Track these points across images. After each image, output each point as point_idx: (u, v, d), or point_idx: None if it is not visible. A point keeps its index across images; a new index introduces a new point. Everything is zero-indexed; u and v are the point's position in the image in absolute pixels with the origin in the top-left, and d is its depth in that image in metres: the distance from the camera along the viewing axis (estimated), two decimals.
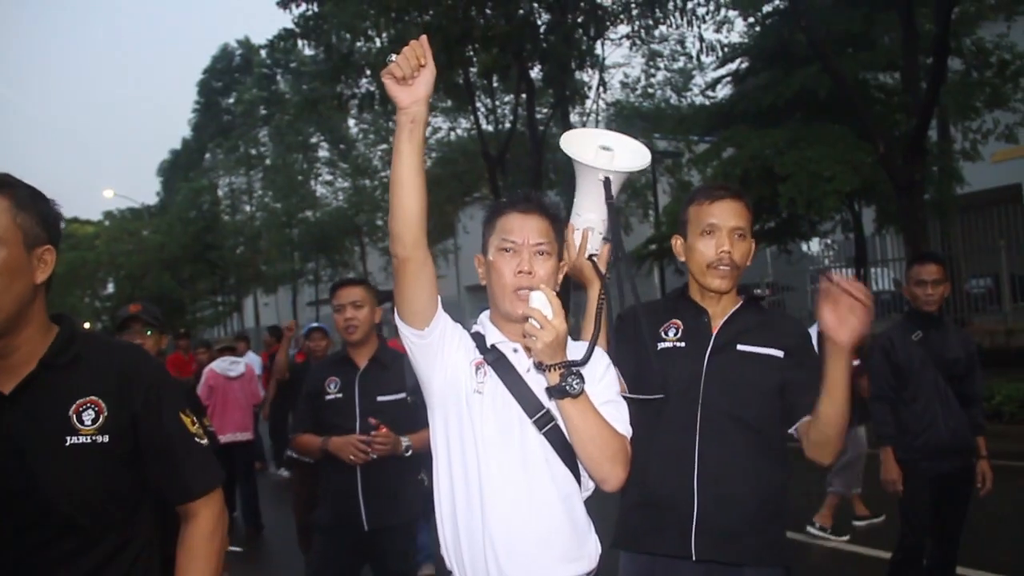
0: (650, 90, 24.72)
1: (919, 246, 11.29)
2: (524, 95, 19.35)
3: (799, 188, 11.75)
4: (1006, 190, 20.52)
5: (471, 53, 16.79)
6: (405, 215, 2.11)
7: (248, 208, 41.87)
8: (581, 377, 2.09)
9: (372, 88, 18.71)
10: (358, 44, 17.91)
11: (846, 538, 6.63)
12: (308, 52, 25.27)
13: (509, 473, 2.18)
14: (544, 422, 2.18)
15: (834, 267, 22.03)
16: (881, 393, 4.70)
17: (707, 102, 19.98)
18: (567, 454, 2.20)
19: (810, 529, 6.72)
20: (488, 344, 2.28)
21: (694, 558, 2.49)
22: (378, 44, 17.50)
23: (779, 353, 2.58)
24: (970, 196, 15.94)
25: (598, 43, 18.29)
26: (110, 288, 44.28)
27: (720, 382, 2.55)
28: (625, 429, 2.24)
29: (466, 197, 29.06)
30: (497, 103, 24.15)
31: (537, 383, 2.20)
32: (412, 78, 2.07)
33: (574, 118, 22.17)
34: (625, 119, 24.06)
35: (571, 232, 2.62)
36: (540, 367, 2.12)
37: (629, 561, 2.66)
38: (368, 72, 18.65)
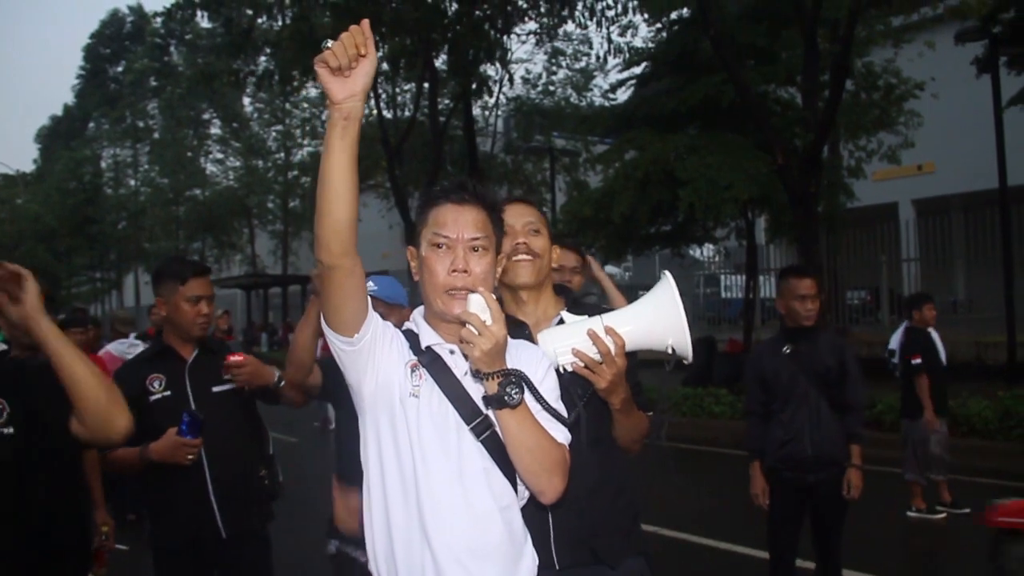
0: (551, 88, 24.90)
1: (811, 256, 11.64)
2: (427, 84, 19.24)
3: (699, 193, 11.93)
4: (885, 208, 21.53)
5: (378, 38, 16.57)
6: (334, 222, 1.94)
7: (133, 182, 40.50)
8: (521, 386, 2.00)
9: (271, 67, 18.32)
10: (259, 20, 17.46)
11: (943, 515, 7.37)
12: (206, 25, 24.66)
13: (448, 480, 2.06)
14: (481, 429, 2.07)
15: (722, 272, 22.66)
16: (749, 408, 4.85)
17: (607, 104, 20.21)
18: (506, 463, 2.08)
19: (910, 514, 7.38)
20: (423, 345, 2.15)
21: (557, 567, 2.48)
22: (280, 22, 17.10)
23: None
24: (852, 212, 16.59)
25: (505, 37, 18.28)
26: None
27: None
28: (565, 437, 2.12)
29: (361, 183, 28.76)
30: (398, 90, 23.94)
31: (475, 387, 2.09)
32: (349, 69, 1.87)
33: (476, 111, 22.17)
34: (525, 115, 24.16)
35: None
36: (477, 375, 2.00)
37: None
38: (268, 50, 18.27)
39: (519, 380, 2.00)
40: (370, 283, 3.09)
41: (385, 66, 18.56)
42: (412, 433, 2.08)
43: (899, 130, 17.34)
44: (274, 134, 32.28)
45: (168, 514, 3.61)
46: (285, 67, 17.63)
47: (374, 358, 2.12)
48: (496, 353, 1.96)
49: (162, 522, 3.66)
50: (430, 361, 2.12)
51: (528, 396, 2.05)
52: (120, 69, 42.80)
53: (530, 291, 2.63)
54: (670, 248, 17.09)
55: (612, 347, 2.27)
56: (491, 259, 2.17)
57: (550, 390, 2.16)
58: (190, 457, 3.38)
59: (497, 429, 2.05)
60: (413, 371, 2.11)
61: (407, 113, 22.53)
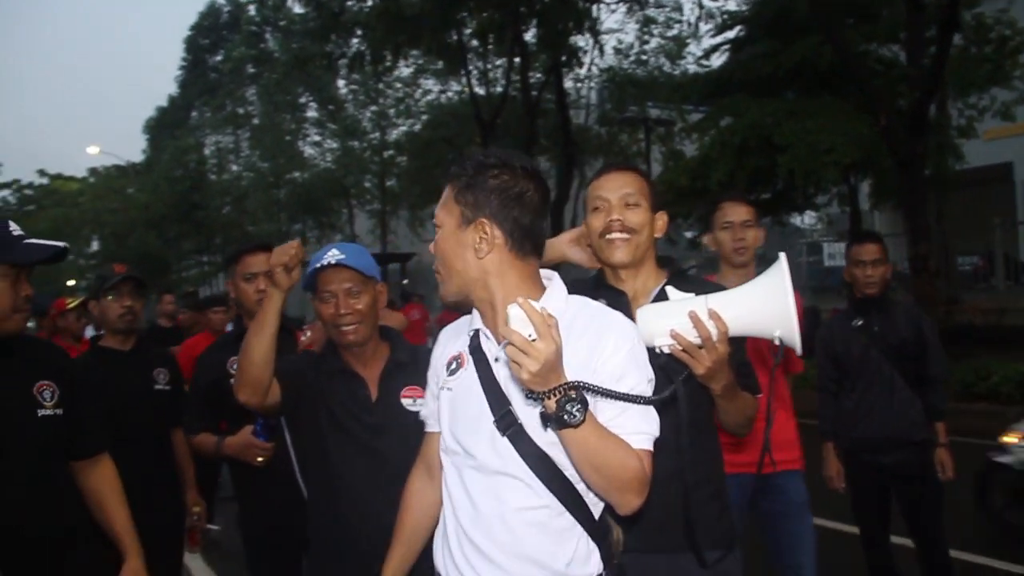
0: (643, 57, 24.43)
1: (918, 221, 11.19)
2: (518, 59, 19.10)
3: (798, 159, 11.59)
4: (998, 168, 20.49)
5: (466, 13, 16.49)
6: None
7: (235, 168, 41.33)
8: (584, 401, 1.71)
9: (363, 48, 18.42)
10: (349, 3, 17.56)
11: None
12: (298, 10, 24.94)
13: (468, 476, 2.02)
14: (505, 425, 1.92)
15: (825, 240, 22.02)
16: (821, 384, 4.59)
17: (701, 71, 19.73)
18: (538, 464, 1.91)
19: None
20: (470, 330, 2.09)
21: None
22: (369, 2, 17.17)
23: None
24: (962, 173, 15.85)
25: (594, 7, 17.99)
26: (95, 246, 43.96)
27: None
28: (644, 441, 1.88)
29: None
30: (489, 66, 23.83)
31: (505, 374, 1.94)
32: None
33: (568, 84, 21.94)
34: (618, 86, 23.78)
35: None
36: (531, 395, 1.75)
37: None
38: (359, 31, 18.36)
39: (580, 394, 1.72)
40: (334, 250, 2.80)
41: (474, 42, 18.52)
42: (446, 428, 2.08)
43: (1014, 85, 16.40)
44: (369, 114, 32.51)
45: (257, 499, 3.61)
46: (376, 48, 17.73)
47: None
48: (547, 371, 1.66)
49: (251, 506, 3.68)
50: (475, 348, 2.05)
51: (601, 402, 1.85)
52: (219, 58, 43.54)
53: (626, 269, 2.57)
54: (770, 216, 16.66)
55: (714, 333, 2.10)
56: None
57: (634, 386, 1.90)
58: (260, 460, 3.33)
59: (524, 426, 1.90)
60: (449, 365, 2.11)
61: (499, 89, 22.41)
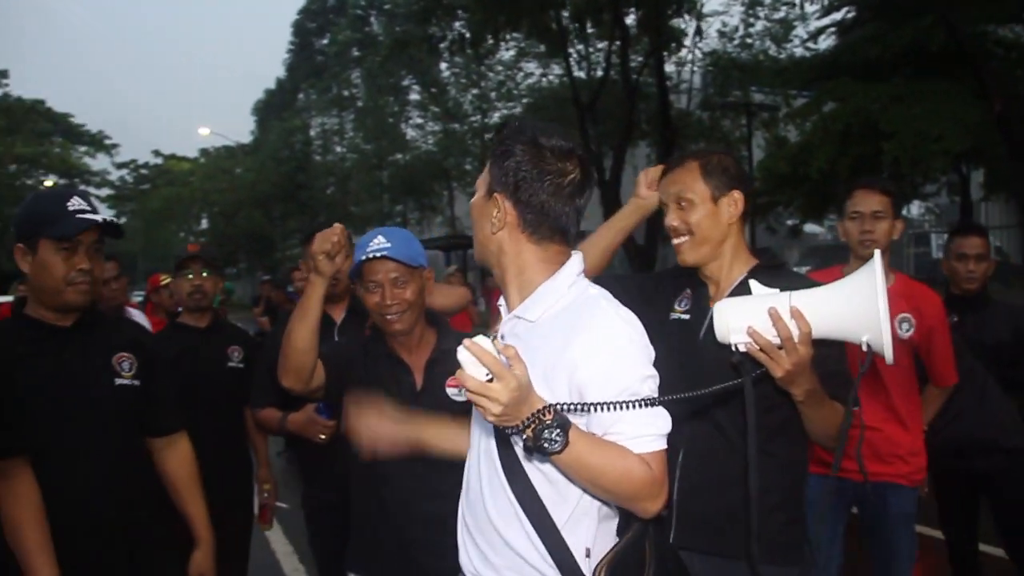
0: (748, 40, 23.85)
1: None
2: (618, 42, 18.84)
3: (904, 147, 11.09)
4: None
5: None
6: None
7: (339, 149, 42.16)
8: (563, 425, 1.59)
9: (463, 31, 18.46)
10: None
11: None
12: None
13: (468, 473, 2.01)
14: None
15: (934, 231, 21.19)
16: None
17: (808, 54, 19.14)
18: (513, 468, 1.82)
19: None
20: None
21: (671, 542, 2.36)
22: None
23: None
24: None
25: None
26: (204, 224, 45.42)
27: (711, 362, 2.32)
28: (649, 443, 1.71)
29: None
30: (590, 50, 23.60)
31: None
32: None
33: (669, 67, 21.57)
34: (721, 70, 23.27)
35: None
36: (507, 431, 1.63)
37: None
38: (461, 14, 18.39)
39: (557, 418, 1.60)
40: (379, 238, 2.74)
41: (575, 24, 18.35)
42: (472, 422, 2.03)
43: None
44: (470, 97, 32.64)
45: (319, 476, 3.68)
46: (476, 30, 17.73)
47: None
48: (514, 406, 1.56)
49: (314, 483, 3.75)
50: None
51: (591, 418, 1.73)
52: (325, 42, 44.40)
53: (707, 266, 2.50)
54: None
55: (795, 333, 1.96)
56: None
57: (618, 386, 1.71)
58: (322, 437, 3.37)
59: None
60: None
61: (600, 72, 22.17)
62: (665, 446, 1.75)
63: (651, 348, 1.83)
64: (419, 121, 37.07)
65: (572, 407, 1.67)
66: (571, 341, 1.75)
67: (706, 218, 2.43)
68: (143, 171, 48.72)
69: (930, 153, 11.16)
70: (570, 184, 1.87)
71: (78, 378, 2.50)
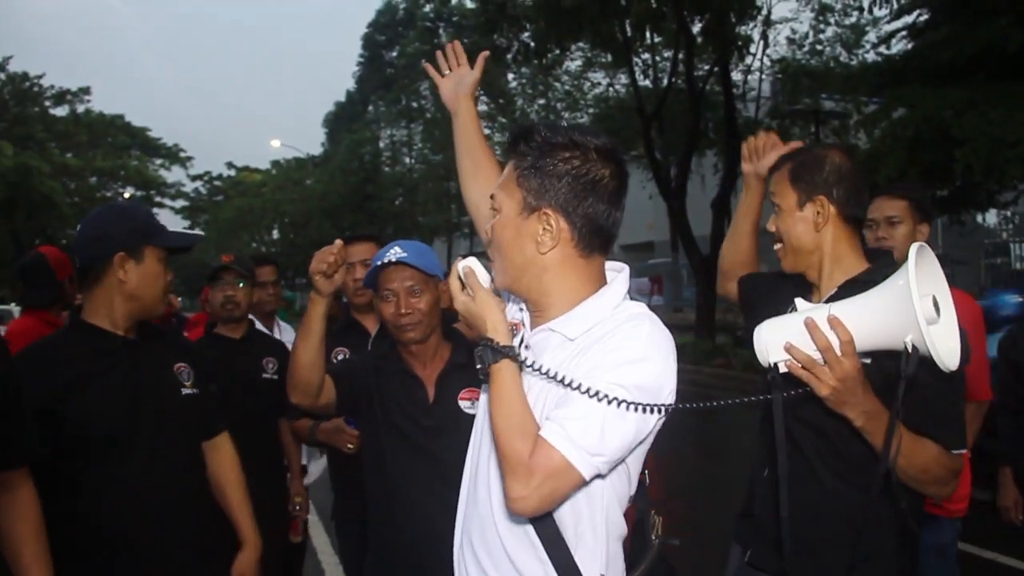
0: (818, 47, 23.41)
1: None
2: (683, 50, 18.62)
3: (978, 153, 10.70)
4: None
5: (625, 2, 16.17)
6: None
7: (407, 160, 42.59)
8: (484, 357, 1.66)
9: (528, 42, 18.42)
10: None
11: None
12: (470, 5, 25.26)
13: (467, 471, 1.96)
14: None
15: (1013, 241, 20.51)
16: (1002, 401, 3.93)
17: (879, 59, 18.66)
18: None
19: None
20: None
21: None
22: None
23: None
24: None
25: None
26: (275, 234, 46.25)
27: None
28: (555, 434, 1.58)
29: (623, 155, 28.43)
30: (657, 58, 23.40)
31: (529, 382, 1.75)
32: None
33: (736, 75, 21.27)
34: (790, 77, 22.87)
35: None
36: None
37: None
38: (527, 25, 18.36)
39: (483, 350, 1.68)
40: (396, 248, 2.75)
41: (641, 33, 18.17)
42: (482, 410, 1.92)
43: None
44: (536, 108, 32.67)
45: (348, 487, 3.62)
46: (539, 41, 17.70)
47: None
48: (466, 321, 1.79)
49: (344, 495, 3.73)
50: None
51: (554, 389, 1.67)
52: (395, 54, 44.96)
53: (809, 275, 2.37)
54: (948, 215, 15.57)
55: (835, 342, 1.83)
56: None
57: (595, 379, 1.61)
58: (350, 446, 3.35)
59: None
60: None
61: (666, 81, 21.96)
62: (568, 456, 1.57)
63: (671, 383, 1.68)
64: (487, 132, 37.22)
65: (500, 350, 1.66)
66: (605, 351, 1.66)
67: (793, 226, 2.33)
68: (216, 183, 49.91)
69: (1005, 160, 10.74)
70: (619, 187, 1.77)
71: (148, 389, 2.55)
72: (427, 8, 37.32)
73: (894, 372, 1.83)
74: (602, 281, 1.80)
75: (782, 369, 1.89)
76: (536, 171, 1.72)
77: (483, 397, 1.89)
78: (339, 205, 40.05)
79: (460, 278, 1.77)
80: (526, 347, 1.79)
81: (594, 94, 28.71)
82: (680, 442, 7.46)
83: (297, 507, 4.14)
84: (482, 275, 1.76)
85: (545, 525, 1.69)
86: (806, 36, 23.51)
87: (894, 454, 1.92)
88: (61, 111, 36.67)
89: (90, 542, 2.38)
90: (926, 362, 1.76)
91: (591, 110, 28.57)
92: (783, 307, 2.20)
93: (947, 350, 1.77)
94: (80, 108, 37.63)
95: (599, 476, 1.63)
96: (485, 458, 1.83)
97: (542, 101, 31.92)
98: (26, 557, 2.15)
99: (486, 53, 2.48)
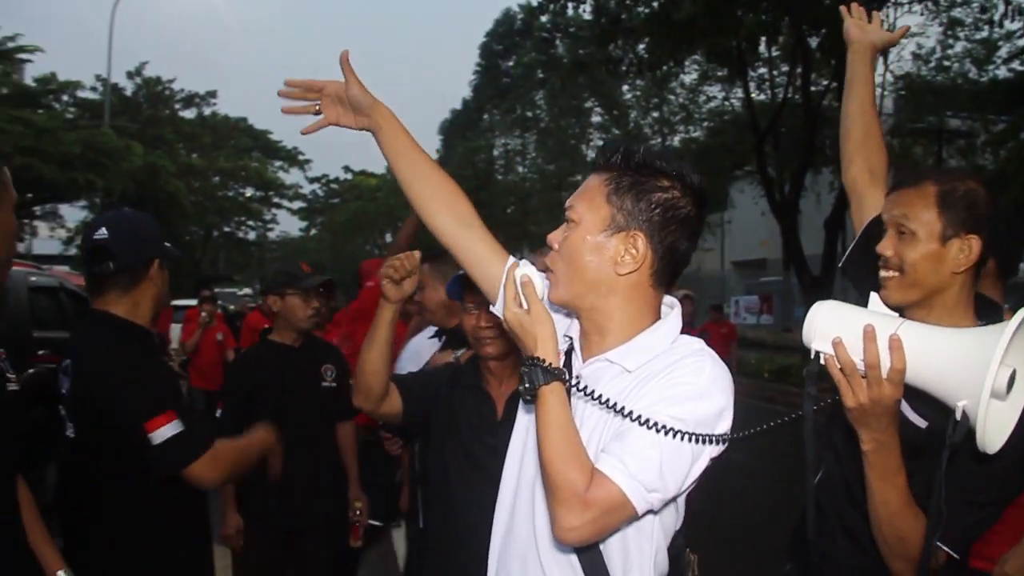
0: (946, 62, 22.54)
1: None
2: (800, 65, 18.18)
3: None
4: None
5: (742, 11, 15.85)
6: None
7: (521, 169, 42.74)
8: (532, 379, 1.61)
9: (642, 53, 18.26)
10: (638, 8, 17.41)
11: None
12: (588, 16, 25.27)
13: (507, 500, 1.91)
14: None
15: None
16: None
17: (1010, 75, 17.84)
18: None
19: None
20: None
21: None
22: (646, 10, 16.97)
23: (921, 423, 1.96)
24: None
25: (884, 8, 16.74)
26: (388, 237, 47.03)
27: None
28: (614, 469, 1.55)
29: (737, 170, 27.94)
30: (774, 72, 22.92)
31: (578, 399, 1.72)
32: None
33: None
34: (914, 94, 22.10)
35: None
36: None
37: None
38: (642, 37, 18.22)
39: (532, 370, 1.62)
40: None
41: (749, 46, 17.82)
42: (520, 431, 1.92)
43: None
44: (650, 120, 32.43)
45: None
46: (653, 53, 17.54)
47: None
48: (513, 336, 1.72)
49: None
50: (564, 361, 1.83)
51: (630, 400, 1.63)
52: (511, 64, 45.30)
53: (907, 311, 2.03)
54: None
55: (885, 365, 1.66)
56: None
57: (670, 412, 1.58)
58: (388, 448, 3.62)
59: None
60: None
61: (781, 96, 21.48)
62: (626, 492, 1.54)
63: (728, 421, 1.65)
64: (600, 143, 37.13)
65: (550, 371, 1.62)
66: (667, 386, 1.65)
67: (925, 259, 2.00)
68: (333, 185, 50.96)
69: None
70: (700, 227, 1.77)
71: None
72: (544, 19, 37.40)
73: (930, 430, 1.74)
74: (658, 315, 1.79)
75: (821, 360, 1.78)
76: (632, 192, 1.71)
77: (523, 420, 1.89)
78: None
79: (516, 287, 1.71)
80: (577, 378, 1.74)
81: (709, 108, 28.27)
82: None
83: (358, 512, 4.18)
84: (539, 287, 1.71)
85: (591, 559, 1.67)
86: (933, 51, 22.70)
87: (933, 529, 1.77)
88: (189, 113, 38.24)
89: None
90: (971, 435, 1.60)
91: (705, 124, 28.17)
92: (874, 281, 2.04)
93: (995, 428, 1.61)
94: (207, 111, 39.16)
95: (651, 511, 1.61)
96: (528, 486, 1.80)
97: (656, 114, 31.61)
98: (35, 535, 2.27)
99: (345, 51, 2.05)
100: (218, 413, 3.93)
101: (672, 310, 1.80)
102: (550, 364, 1.61)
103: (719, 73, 24.79)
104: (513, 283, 1.71)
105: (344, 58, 2.02)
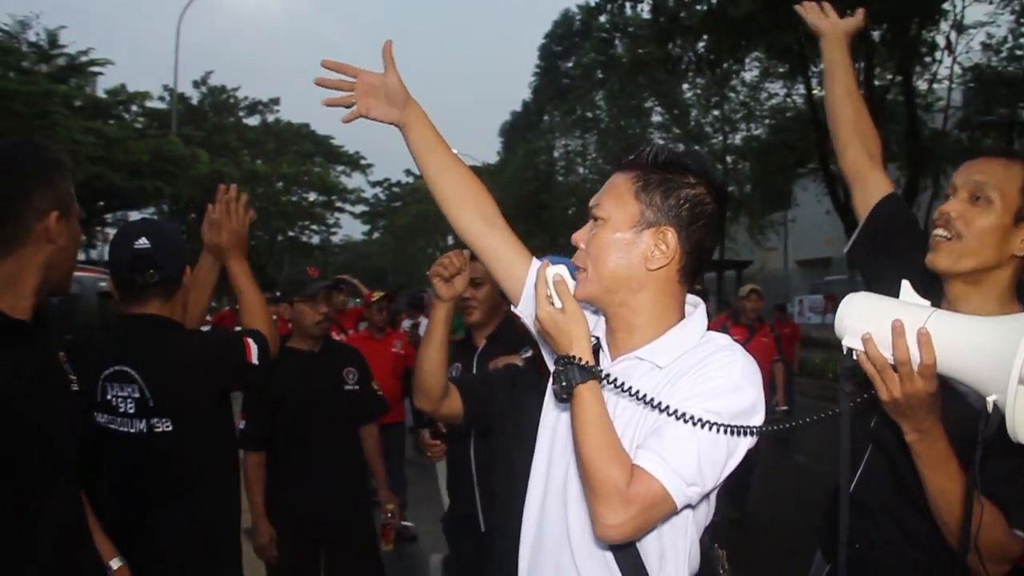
0: (1018, 52, 21.85)
1: None
2: (863, 60, 17.83)
3: None
4: None
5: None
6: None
7: (581, 170, 42.70)
8: (568, 377, 1.60)
9: (701, 51, 18.09)
10: (697, 5, 17.26)
11: None
12: (646, 15, 25.11)
13: (551, 499, 1.85)
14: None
15: None
16: None
17: None
18: None
19: None
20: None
21: None
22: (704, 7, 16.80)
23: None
24: None
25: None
26: (449, 239, 47.40)
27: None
28: (655, 464, 1.55)
29: (800, 168, 27.53)
30: None
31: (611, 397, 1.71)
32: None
33: (921, 85, 20.18)
34: (984, 85, 21.47)
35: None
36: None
37: None
38: (701, 35, 18.05)
39: (568, 368, 1.61)
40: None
41: (810, 41, 17.50)
42: (546, 435, 1.91)
43: None
44: (711, 119, 32.13)
45: (458, 491, 3.73)
46: (713, 51, 17.38)
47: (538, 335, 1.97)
48: (545, 334, 1.70)
49: (453, 499, 3.83)
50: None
51: (667, 395, 1.62)
52: (570, 64, 45.23)
53: (951, 281, 2.05)
54: None
55: (915, 359, 1.62)
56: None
57: (695, 403, 1.59)
58: (429, 456, 3.64)
59: None
60: None
61: None
62: (667, 486, 1.54)
63: (761, 414, 1.65)
64: (661, 143, 36.84)
65: (588, 370, 1.61)
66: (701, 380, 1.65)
67: (993, 231, 1.97)
68: (395, 189, 51.61)
69: None
70: (722, 224, 1.81)
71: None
72: (602, 19, 37.24)
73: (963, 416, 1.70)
74: (683, 312, 1.80)
75: (854, 355, 1.74)
76: (661, 188, 1.72)
77: (549, 420, 1.90)
78: (512, 214, 40.32)
79: (548, 285, 1.71)
80: (607, 375, 1.72)
81: (771, 105, 27.89)
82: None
83: (389, 515, 4.19)
84: (571, 285, 1.73)
85: (628, 556, 1.67)
86: (1004, 40, 22.04)
87: (975, 531, 1.69)
88: (253, 121, 39.22)
89: None
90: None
91: (767, 121, 27.81)
92: (903, 269, 1.95)
93: None
94: (270, 118, 40.05)
95: (688, 506, 1.62)
96: (557, 487, 1.81)
97: (717, 112, 31.29)
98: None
99: (388, 41, 2.04)
100: (241, 424, 3.88)
101: (696, 308, 1.81)
102: (586, 362, 1.61)
103: (780, 69, 24.47)
104: (544, 282, 1.70)
105: (387, 48, 2.03)
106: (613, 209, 1.75)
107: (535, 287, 1.72)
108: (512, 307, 2.10)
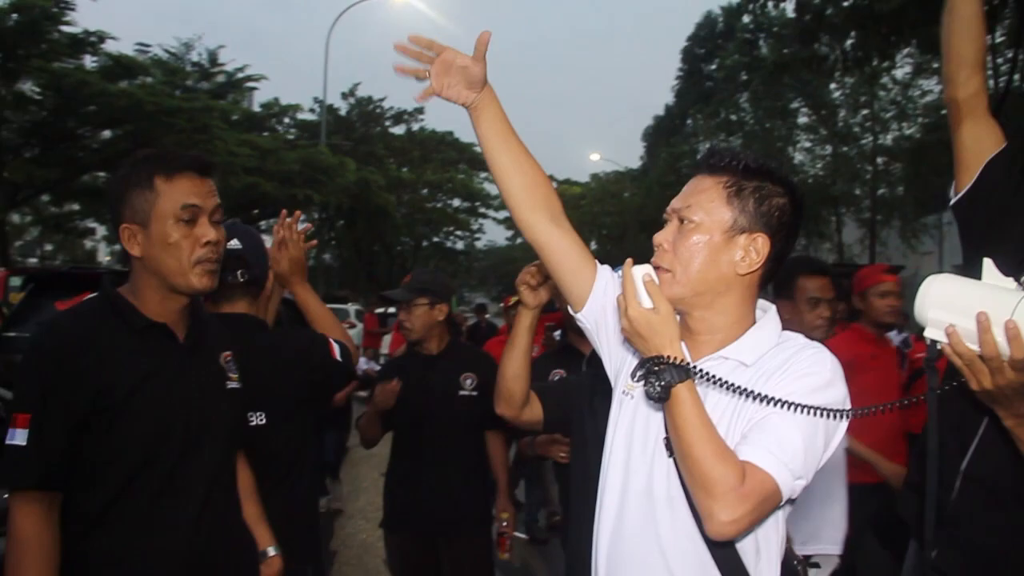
0: None
1: None
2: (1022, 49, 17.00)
3: None
4: None
5: None
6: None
7: None
8: (665, 376, 1.59)
9: (848, 49, 17.61)
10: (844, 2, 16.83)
11: None
12: (791, 14, 24.60)
13: (630, 501, 1.85)
14: (671, 444, 1.71)
15: None
16: None
17: None
18: None
19: None
20: None
21: None
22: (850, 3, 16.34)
23: None
24: None
25: None
26: (592, 245, 47.49)
27: None
28: (763, 458, 1.58)
29: None
30: (998, 60, 21.47)
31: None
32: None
33: None
34: None
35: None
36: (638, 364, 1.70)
37: None
38: (849, 32, 17.57)
39: (664, 368, 1.61)
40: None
41: None
42: (622, 441, 1.91)
43: None
44: (860, 118, 31.10)
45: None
46: (860, 48, 16.89)
47: (598, 339, 2.02)
48: (634, 334, 1.68)
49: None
50: None
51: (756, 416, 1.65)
52: (713, 67, 44.58)
53: None
54: None
55: (1005, 352, 1.59)
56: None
57: (800, 394, 1.63)
58: (562, 455, 3.48)
59: None
60: (638, 370, 1.76)
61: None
62: (778, 480, 1.57)
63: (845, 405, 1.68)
64: (807, 144, 35.92)
65: (678, 366, 1.62)
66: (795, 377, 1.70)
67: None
68: None
69: None
70: (798, 233, 1.86)
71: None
72: (745, 19, 36.58)
73: None
74: (755, 316, 1.87)
75: (937, 347, 1.71)
76: (755, 195, 1.77)
77: (623, 425, 1.92)
78: (655, 219, 39.99)
79: (636, 286, 1.71)
80: (702, 370, 1.76)
81: (925, 102, 26.80)
82: None
83: (504, 523, 4.10)
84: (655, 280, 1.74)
85: (726, 555, 1.70)
86: None
87: None
88: (398, 130, 40.25)
89: None
90: None
91: (921, 120, 26.73)
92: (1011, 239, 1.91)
93: None
94: (415, 126, 41.06)
95: (791, 500, 1.65)
96: (639, 493, 1.82)
97: (866, 111, 30.28)
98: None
99: (487, 32, 1.93)
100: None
101: (766, 313, 1.87)
102: (682, 361, 1.63)
103: (935, 65, 23.54)
104: (631, 282, 1.70)
105: (484, 38, 1.93)
106: (706, 216, 1.77)
107: (622, 286, 1.72)
108: (572, 311, 2.06)
